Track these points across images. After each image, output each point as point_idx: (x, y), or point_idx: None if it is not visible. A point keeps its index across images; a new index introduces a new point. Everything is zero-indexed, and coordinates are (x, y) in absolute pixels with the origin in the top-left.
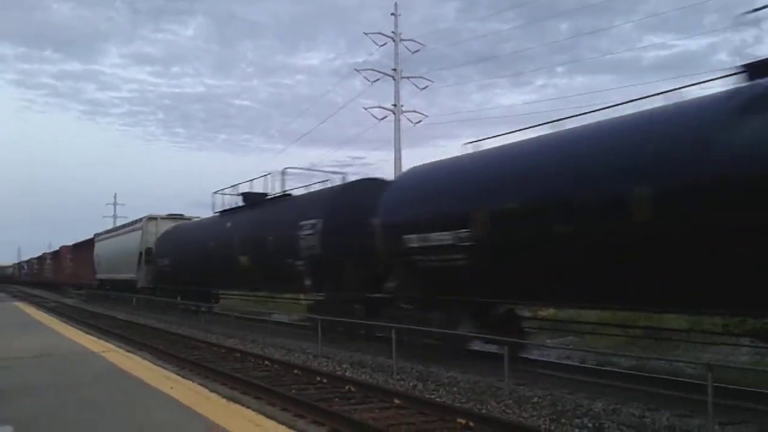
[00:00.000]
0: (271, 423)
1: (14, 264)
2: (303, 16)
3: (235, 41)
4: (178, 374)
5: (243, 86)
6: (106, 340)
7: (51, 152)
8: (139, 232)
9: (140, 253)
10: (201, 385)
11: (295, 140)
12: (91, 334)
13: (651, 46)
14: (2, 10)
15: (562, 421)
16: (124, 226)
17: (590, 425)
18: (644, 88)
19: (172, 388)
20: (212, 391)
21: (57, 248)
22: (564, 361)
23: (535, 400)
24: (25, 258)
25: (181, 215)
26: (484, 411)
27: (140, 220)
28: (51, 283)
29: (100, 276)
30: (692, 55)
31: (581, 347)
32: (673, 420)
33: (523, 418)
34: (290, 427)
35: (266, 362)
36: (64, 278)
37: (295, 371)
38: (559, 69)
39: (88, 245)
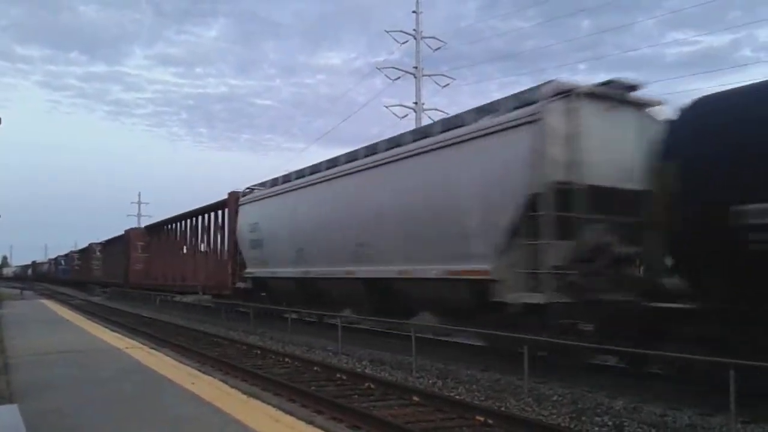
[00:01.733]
0: (289, 419)
1: (50, 260)
2: (324, 16)
3: (257, 42)
4: (199, 371)
5: (265, 86)
6: (130, 338)
7: (77, 153)
8: (527, 132)
9: (529, 198)
10: (222, 381)
11: (317, 139)
12: (115, 332)
13: (674, 43)
14: (29, 12)
15: (582, 419)
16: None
17: (610, 423)
18: (667, 84)
19: (193, 384)
20: (233, 387)
21: (77, 247)
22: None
23: (555, 398)
24: (54, 256)
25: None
26: (503, 408)
27: (523, 100)
28: (102, 283)
29: (258, 271)
30: (715, 51)
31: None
32: (695, 419)
33: (543, 416)
34: (308, 422)
35: (287, 359)
36: (134, 277)
37: (315, 368)
38: (582, 66)
39: (199, 219)
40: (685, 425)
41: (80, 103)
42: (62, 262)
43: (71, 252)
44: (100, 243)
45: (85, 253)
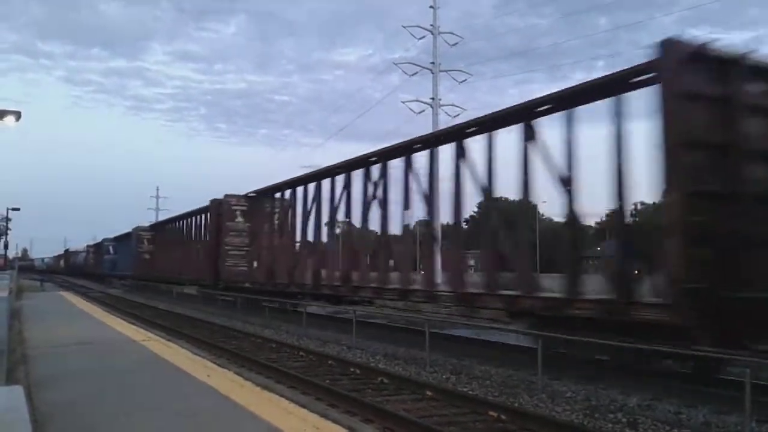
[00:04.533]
0: (303, 411)
1: (88, 247)
2: (341, 14)
3: (275, 39)
4: (215, 363)
5: (283, 82)
6: (147, 329)
7: (98, 148)
8: None
9: None
10: (237, 373)
11: (333, 135)
12: (132, 324)
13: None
14: (51, 9)
15: (596, 416)
16: None
17: (624, 420)
18: None
19: (209, 376)
20: (247, 379)
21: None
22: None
23: (569, 394)
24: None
25: None
26: (516, 405)
27: None
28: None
29: None
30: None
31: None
32: (710, 417)
33: (556, 412)
34: (322, 416)
35: (301, 353)
36: None
37: (330, 362)
38: (600, 63)
39: None
40: (700, 423)
41: (101, 98)
42: (110, 249)
43: (136, 230)
44: (242, 195)
45: (163, 229)
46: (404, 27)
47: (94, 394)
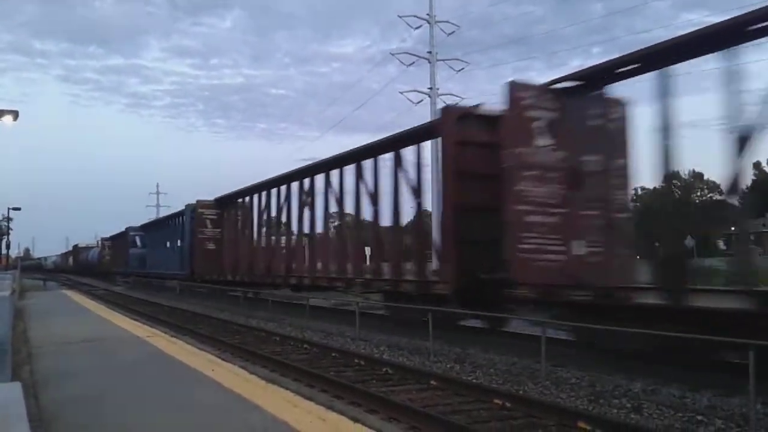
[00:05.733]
0: (308, 403)
1: (102, 240)
2: (337, 5)
3: (271, 32)
4: (219, 358)
5: (279, 76)
6: (151, 326)
7: (96, 145)
8: None
9: None
10: (241, 367)
11: (331, 127)
12: (136, 320)
13: (687, 24)
14: (46, 8)
15: (600, 401)
16: None
17: (629, 405)
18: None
19: (213, 370)
20: (252, 373)
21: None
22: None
23: (573, 381)
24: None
25: None
26: (521, 392)
27: None
28: None
29: None
30: None
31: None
32: (714, 400)
33: (561, 398)
34: (327, 407)
35: (305, 345)
36: None
37: (333, 354)
38: (595, 50)
39: None
40: (704, 407)
41: (99, 96)
42: (137, 240)
43: (193, 207)
44: (544, 87)
45: (286, 193)
46: (400, 17)
47: (98, 391)
